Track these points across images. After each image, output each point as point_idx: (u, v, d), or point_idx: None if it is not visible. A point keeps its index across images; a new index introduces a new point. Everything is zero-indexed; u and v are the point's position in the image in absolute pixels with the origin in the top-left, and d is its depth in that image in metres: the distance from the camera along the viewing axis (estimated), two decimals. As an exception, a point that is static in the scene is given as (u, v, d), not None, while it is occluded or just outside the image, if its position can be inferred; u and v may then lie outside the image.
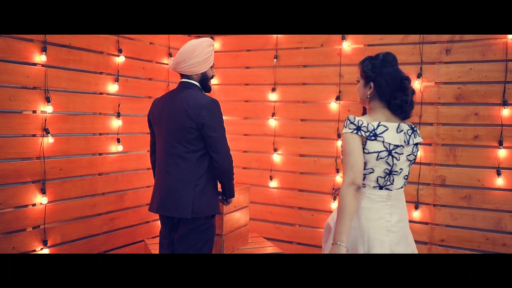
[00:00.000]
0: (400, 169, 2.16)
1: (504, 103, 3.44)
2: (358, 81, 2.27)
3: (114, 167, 3.86)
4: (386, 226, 2.14)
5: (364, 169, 2.11)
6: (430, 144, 3.73)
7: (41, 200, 3.25)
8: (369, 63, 2.19)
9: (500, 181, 3.48)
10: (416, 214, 3.77)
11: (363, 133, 2.07)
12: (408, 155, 2.18)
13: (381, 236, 2.12)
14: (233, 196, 2.88)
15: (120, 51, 3.80)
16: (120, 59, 3.82)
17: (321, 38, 4.14)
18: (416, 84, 3.73)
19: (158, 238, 2.92)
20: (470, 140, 3.59)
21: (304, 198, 4.26)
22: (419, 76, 3.71)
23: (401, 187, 2.22)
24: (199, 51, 2.62)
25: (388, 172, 2.13)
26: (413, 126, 2.25)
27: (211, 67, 2.75)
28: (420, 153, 3.73)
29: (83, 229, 3.60)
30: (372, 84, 2.17)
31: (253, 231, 4.40)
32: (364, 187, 2.15)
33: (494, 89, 3.50)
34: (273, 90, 4.36)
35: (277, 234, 4.39)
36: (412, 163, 2.23)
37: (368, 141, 2.09)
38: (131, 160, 4.03)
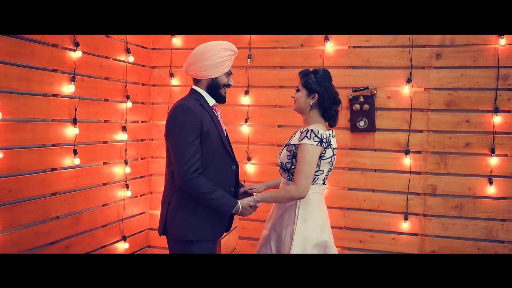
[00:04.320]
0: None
1: (496, 110, 3.39)
2: (298, 90, 2.47)
3: (70, 185, 3.19)
4: (326, 214, 2.53)
5: (318, 171, 2.41)
6: (420, 152, 3.58)
7: (-14, 232, 2.54)
8: (313, 77, 2.43)
9: (491, 190, 3.42)
10: (406, 225, 3.60)
11: (324, 144, 2.35)
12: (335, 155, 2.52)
13: (326, 223, 2.48)
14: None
15: (76, 44, 3.15)
16: (77, 54, 3.17)
17: (301, 37, 3.81)
18: (406, 90, 3.56)
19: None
20: (461, 148, 3.50)
21: (282, 211, 3.90)
22: (408, 81, 3.54)
23: None
24: (211, 54, 2.34)
25: (329, 170, 2.49)
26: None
27: (227, 74, 2.43)
28: (410, 162, 3.57)
29: (36, 263, 2.91)
30: (316, 95, 2.42)
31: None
32: (316, 184, 2.43)
33: (485, 95, 3.43)
34: (246, 93, 3.95)
35: (252, 252, 3.99)
36: None
37: (326, 150, 2.38)
38: (87, 175, 3.38)
